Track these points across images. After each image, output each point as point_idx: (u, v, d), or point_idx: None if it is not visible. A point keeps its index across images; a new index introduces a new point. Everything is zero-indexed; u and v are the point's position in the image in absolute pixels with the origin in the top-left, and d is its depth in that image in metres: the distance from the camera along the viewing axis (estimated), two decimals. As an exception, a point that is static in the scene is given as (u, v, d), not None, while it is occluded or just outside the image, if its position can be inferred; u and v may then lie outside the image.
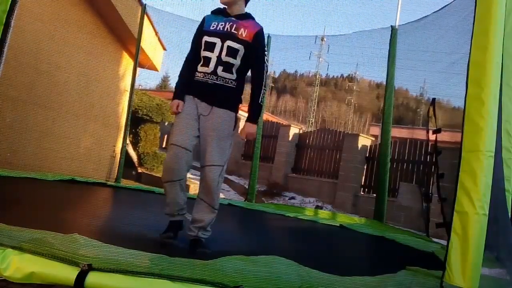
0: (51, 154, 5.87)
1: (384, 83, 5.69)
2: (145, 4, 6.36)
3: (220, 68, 2.51)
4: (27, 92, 5.32)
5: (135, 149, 9.29)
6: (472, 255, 1.77)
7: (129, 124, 6.38)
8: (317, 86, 40.90)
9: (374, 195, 6.37)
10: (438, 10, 5.00)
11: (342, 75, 50.26)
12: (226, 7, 2.64)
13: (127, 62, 7.53)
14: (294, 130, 10.81)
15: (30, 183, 4.26)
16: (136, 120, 8.92)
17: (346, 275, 1.93)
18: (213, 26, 2.58)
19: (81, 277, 1.53)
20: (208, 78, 2.51)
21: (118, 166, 6.24)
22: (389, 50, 5.57)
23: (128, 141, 7.45)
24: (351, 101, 47.59)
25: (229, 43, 2.52)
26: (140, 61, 6.80)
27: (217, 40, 2.53)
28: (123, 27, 6.74)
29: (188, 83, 2.57)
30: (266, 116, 15.19)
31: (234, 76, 2.55)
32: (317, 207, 8.09)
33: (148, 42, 7.14)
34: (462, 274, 1.77)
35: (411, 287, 1.89)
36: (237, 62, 2.54)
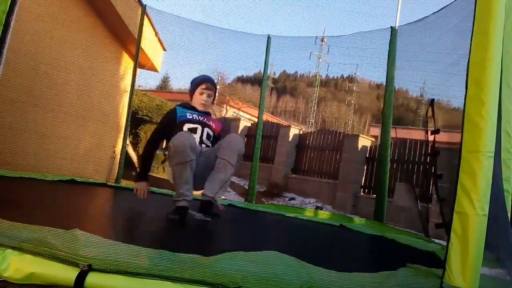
0: (51, 155, 5.86)
1: (384, 83, 5.69)
2: (145, 5, 6.36)
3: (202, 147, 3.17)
4: (26, 93, 5.31)
5: (135, 149, 9.29)
6: (472, 255, 1.77)
7: (129, 125, 6.38)
8: (317, 86, 40.95)
9: (374, 195, 6.37)
10: (438, 11, 5.01)
11: (342, 75, 50.44)
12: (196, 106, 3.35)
13: (127, 63, 7.53)
14: (294, 131, 10.82)
15: (30, 183, 4.25)
16: (136, 121, 8.93)
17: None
18: (190, 116, 3.25)
19: (81, 277, 1.53)
20: None
21: (118, 167, 6.23)
22: (388, 51, 5.58)
23: (128, 142, 7.45)
24: (351, 102, 47.65)
25: (207, 130, 3.27)
26: (140, 61, 6.80)
27: (198, 126, 3.23)
28: (123, 28, 6.74)
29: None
30: (266, 116, 15.19)
31: None
32: (317, 207, 8.09)
33: (148, 42, 7.14)
34: (462, 275, 1.77)
35: (411, 286, 1.89)
36: (209, 143, 3.27)
